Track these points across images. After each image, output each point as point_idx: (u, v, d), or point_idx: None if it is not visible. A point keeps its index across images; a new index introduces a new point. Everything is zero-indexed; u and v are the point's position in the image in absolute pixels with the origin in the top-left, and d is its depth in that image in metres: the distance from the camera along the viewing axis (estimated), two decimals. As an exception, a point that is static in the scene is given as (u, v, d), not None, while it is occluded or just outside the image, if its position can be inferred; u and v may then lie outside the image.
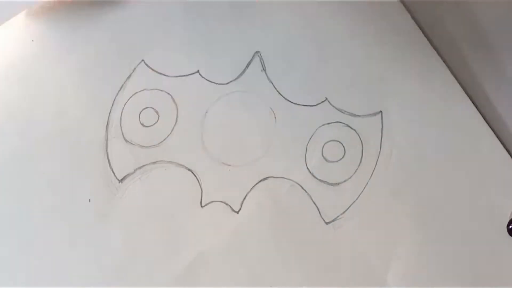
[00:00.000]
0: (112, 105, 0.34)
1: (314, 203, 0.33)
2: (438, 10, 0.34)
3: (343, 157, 0.33)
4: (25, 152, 0.33)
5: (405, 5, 0.33)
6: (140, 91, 0.34)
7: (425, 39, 0.33)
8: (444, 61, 0.33)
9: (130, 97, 0.34)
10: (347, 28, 0.33)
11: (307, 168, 0.33)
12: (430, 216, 0.32)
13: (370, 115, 0.33)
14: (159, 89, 0.34)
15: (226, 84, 0.34)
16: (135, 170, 0.33)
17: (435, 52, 0.33)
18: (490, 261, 0.32)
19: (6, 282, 0.32)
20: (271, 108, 0.33)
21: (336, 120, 0.33)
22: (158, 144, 0.33)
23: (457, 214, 0.32)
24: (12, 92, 0.34)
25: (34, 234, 0.33)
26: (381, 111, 0.33)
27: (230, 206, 0.33)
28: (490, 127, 0.33)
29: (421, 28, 0.33)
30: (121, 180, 0.33)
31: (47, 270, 0.33)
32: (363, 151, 0.33)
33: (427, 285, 0.32)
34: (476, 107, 0.33)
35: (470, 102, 0.33)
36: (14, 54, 0.34)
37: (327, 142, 0.33)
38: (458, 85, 0.33)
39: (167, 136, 0.34)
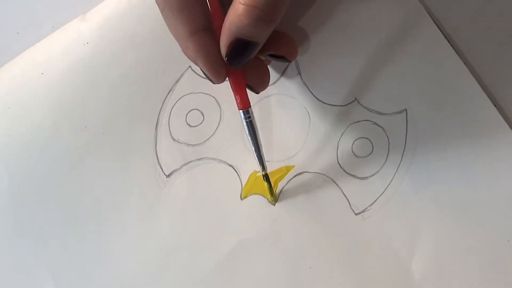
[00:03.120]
0: (161, 107, 0.35)
1: (345, 196, 0.34)
2: (459, 15, 0.34)
3: (371, 152, 0.34)
4: (80, 150, 0.35)
5: (428, 10, 0.34)
6: (187, 94, 0.35)
7: (446, 42, 0.33)
8: (465, 63, 0.33)
9: (178, 100, 0.35)
10: (374, 35, 0.34)
11: (339, 163, 0.34)
12: (452, 207, 0.33)
13: (395, 113, 0.34)
14: (204, 93, 0.35)
15: (265, 87, 0.34)
16: (181, 166, 0.35)
17: (456, 54, 0.33)
18: (510, 250, 0.32)
19: (64, 269, 0.34)
20: (305, 109, 0.34)
21: (365, 119, 0.34)
22: (203, 142, 0.35)
23: (478, 206, 0.33)
24: (66, 93, 0.35)
25: (89, 225, 0.34)
26: (405, 110, 0.34)
27: (267, 199, 0.34)
28: (509, 126, 0.33)
29: (442, 31, 0.34)
30: (168, 175, 0.34)
31: (102, 256, 0.34)
32: (390, 147, 0.34)
33: (450, 273, 0.33)
34: (496, 106, 0.33)
35: (489, 101, 0.33)
36: (68, 57, 0.35)
37: (357, 139, 0.34)
38: (478, 85, 0.33)
39: (211, 135, 0.35)
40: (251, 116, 0.31)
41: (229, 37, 0.26)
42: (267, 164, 0.33)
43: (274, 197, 0.34)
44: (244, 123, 0.31)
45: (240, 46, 0.27)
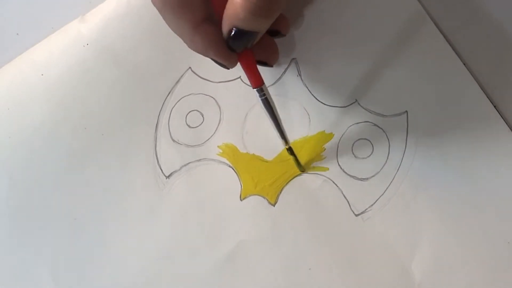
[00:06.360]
0: (161, 108, 0.35)
1: (345, 197, 0.34)
2: (459, 16, 0.34)
3: (371, 154, 0.34)
4: (79, 151, 0.35)
5: (427, 12, 0.34)
6: (187, 95, 0.35)
7: (446, 43, 0.34)
8: (465, 64, 0.33)
9: (178, 101, 0.35)
10: (374, 37, 0.34)
11: (339, 164, 0.34)
12: (452, 209, 0.33)
13: (396, 115, 0.34)
14: (204, 94, 0.35)
15: (265, 88, 0.34)
16: (181, 167, 0.35)
17: (456, 55, 0.33)
18: (510, 252, 0.32)
19: (64, 269, 0.34)
20: (305, 110, 0.34)
21: (365, 120, 0.34)
22: (203, 143, 0.35)
23: (478, 207, 0.33)
24: (66, 94, 0.35)
25: (89, 226, 0.34)
26: (406, 111, 0.34)
27: (267, 200, 0.34)
28: (509, 127, 0.33)
29: (442, 32, 0.34)
30: (168, 176, 0.34)
31: (102, 257, 0.34)
32: (390, 148, 0.34)
33: (450, 275, 0.32)
34: (496, 108, 0.33)
35: (489, 102, 0.33)
36: (68, 58, 0.35)
37: (357, 140, 0.34)
38: (478, 86, 0.33)
39: (211, 136, 0.35)
40: (266, 93, 0.31)
41: (228, 27, 0.27)
42: (265, 164, 0.33)
43: (301, 167, 0.34)
44: (260, 101, 0.31)
45: (238, 35, 0.27)
